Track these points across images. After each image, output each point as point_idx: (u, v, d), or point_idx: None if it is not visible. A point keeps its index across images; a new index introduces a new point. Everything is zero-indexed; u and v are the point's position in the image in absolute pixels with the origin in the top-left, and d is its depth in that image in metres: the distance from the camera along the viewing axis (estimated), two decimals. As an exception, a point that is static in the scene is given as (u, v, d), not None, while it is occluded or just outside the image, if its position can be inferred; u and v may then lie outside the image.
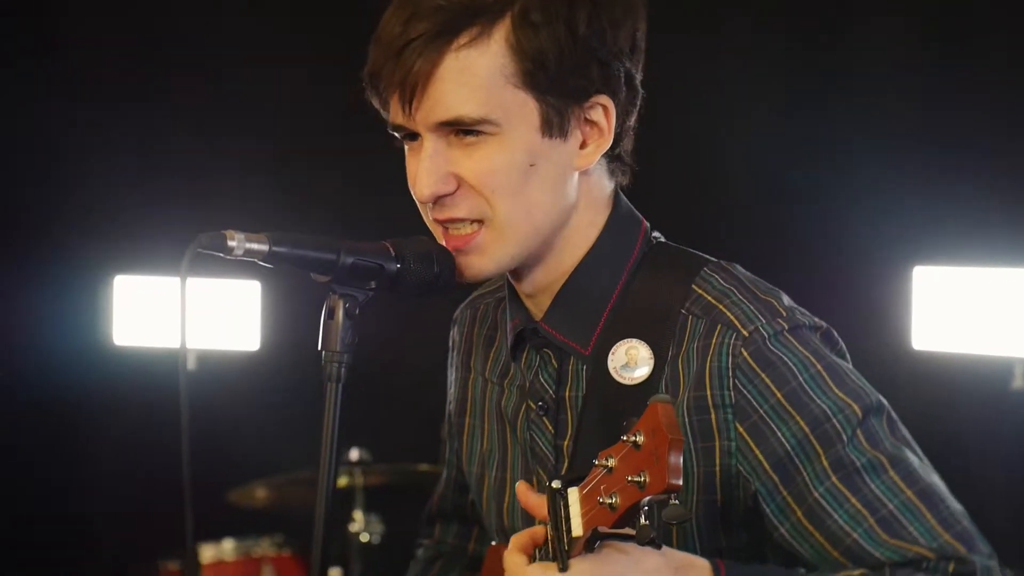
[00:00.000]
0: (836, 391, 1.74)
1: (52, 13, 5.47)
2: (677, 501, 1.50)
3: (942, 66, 4.23)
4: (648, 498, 1.50)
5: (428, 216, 1.81)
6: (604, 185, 1.86)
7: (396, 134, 1.81)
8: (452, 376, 2.12)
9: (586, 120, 1.78)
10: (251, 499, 4.36)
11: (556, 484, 1.60)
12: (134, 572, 4.75)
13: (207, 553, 4.45)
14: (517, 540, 1.67)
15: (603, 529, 1.57)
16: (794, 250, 4.29)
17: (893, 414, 1.78)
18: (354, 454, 4.24)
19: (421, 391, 2.56)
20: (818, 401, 1.73)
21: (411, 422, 3.44)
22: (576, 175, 1.80)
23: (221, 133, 5.24)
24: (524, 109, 1.73)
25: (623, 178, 1.88)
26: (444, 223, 1.80)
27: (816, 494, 1.72)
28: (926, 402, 3.84)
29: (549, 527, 1.61)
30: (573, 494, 1.59)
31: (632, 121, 1.84)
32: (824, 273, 4.21)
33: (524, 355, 1.93)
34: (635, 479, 1.50)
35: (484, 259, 1.80)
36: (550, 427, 1.88)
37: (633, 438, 1.51)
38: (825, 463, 1.72)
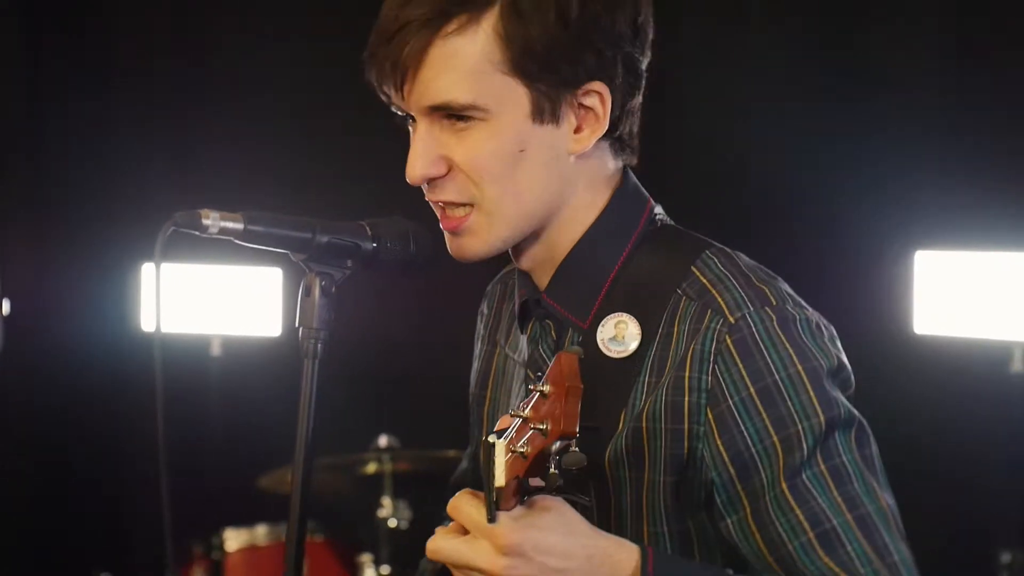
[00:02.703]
0: (810, 396, 1.70)
1: (85, 6, 5.54)
2: (577, 448, 1.52)
3: (944, 54, 4.26)
4: (556, 444, 1.52)
5: (427, 196, 1.84)
6: (608, 166, 1.85)
7: (399, 113, 1.82)
8: (478, 348, 2.13)
9: (580, 105, 1.76)
10: (283, 485, 4.34)
11: (492, 438, 1.59)
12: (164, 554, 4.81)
13: (240, 538, 4.48)
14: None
15: (533, 482, 1.58)
16: (797, 235, 4.30)
17: (867, 433, 1.74)
18: (383, 440, 4.29)
19: (449, 377, 2.61)
20: (788, 403, 1.70)
21: (439, 408, 3.52)
22: (572, 158, 1.79)
23: (251, 122, 5.29)
24: (514, 96, 1.73)
25: (630, 158, 1.86)
26: (438, 204, 1.82)
27: (767, 498, 1.70)
28: (927, 385, 3.87)
29: (484, 481, 1.60)
30: (500, 446, 1.58)
31: (634, 104, 1.82)
32: (826, 257, 4.22)
33: (529, 326, 1.94)
34: (539, 427, 1.52)
35: (476, 241, 1.81)
36: None
37: (542, 388, 1.53)
38: (781, 468, 1.69)
